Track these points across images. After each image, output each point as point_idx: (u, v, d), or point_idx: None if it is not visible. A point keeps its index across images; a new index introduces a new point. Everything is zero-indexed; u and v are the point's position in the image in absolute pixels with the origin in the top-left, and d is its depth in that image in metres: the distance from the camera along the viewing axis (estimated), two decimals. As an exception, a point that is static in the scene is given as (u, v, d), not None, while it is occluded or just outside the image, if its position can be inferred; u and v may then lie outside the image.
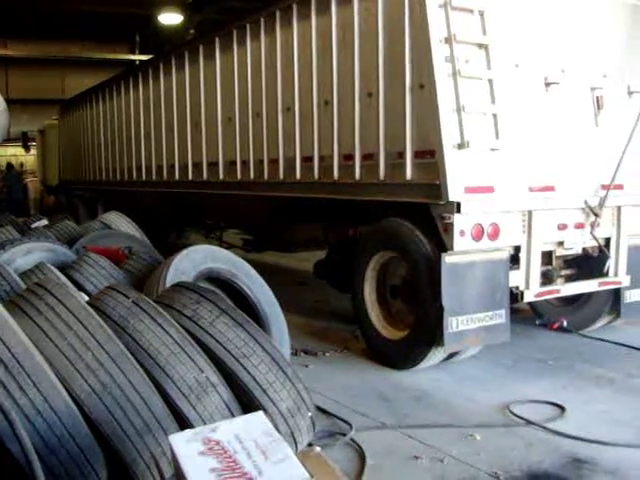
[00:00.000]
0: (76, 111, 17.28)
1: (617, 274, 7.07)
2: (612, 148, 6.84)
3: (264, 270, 6.15)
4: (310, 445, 4.20)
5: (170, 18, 22.91)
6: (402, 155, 6.44)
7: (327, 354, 7.11)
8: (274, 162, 8.48)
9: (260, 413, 2.95)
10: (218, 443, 2.64)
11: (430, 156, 6.14)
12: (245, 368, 3.82)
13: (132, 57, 27.10)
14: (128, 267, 6.44)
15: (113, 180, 14.46)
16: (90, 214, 15.82)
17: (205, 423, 3.56)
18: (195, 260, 5.66)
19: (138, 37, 26.90)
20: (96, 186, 15.81)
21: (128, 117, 13.37)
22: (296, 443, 3.87)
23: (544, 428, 5.12)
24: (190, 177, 10.78)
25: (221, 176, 9.82)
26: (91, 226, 9.22)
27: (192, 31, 22.84)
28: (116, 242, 7.79)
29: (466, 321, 5.95)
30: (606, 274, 7.04)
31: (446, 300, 5.84)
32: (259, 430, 2.73)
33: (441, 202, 5.96)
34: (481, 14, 6.22)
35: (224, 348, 3.87)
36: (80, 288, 5.65)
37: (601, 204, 6.70)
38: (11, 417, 2.89)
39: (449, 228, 5.93)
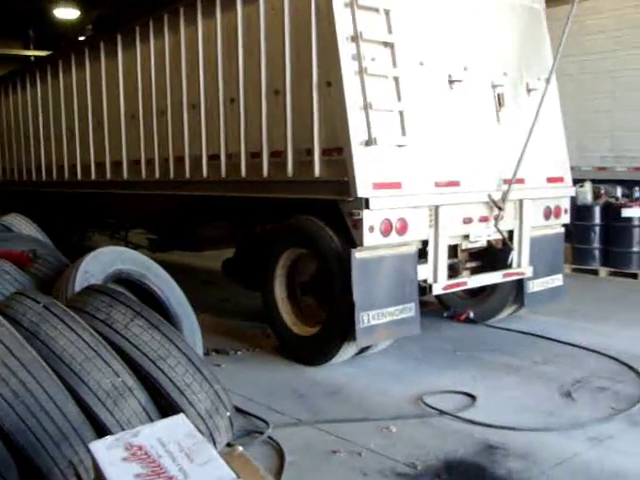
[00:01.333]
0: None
1: (520, 265, 7.29)
2: (513, 144, 7.04)
3: (170, 270, 6.08)
4: (229, 445, 4.20)
5: (66, 13, 22.33)
6: (310, 152, 6.46)
7: (239, 353, 7.08)
8: (180, 160, 8.38)
9: (181, 415, 2.93)
10: (141, 448, 2.61)
11: (338, 153, 6.18)
12: (162, 370, 3.79)
13: (27, 53, 26.31)
14: (33, 271, 6.24)
15: (11, 180, 14.02)
16: (-13, 216, 15.27)
17: (123, 428, 3.51)
18: (103, 262, 5.54)
19: (32, 32, 26.10)
20: (-8, 187, 15.30)
21: (25, 115, 12.98)
22: (215, 444, 3.86)
23: (457, 417, 5.25)
24: (93, 177, 10.55)
25: (125, 175, 9.65)
26: (-10, 229, 8.92)
27: (89, 26, 22.37)
28: (19, 245, 7.55)
29: (377, 315, 6.03)
30: (510, 266, 7.25)
31: (357, 295, 5.91)
32: (181, 432, 2.71)
33: (350, 199, 6.01)
34: (387, 13, 6.31)
35: (140, 351, 3.82)
36: (-17, 294, 5.47)
37: (504, 198, 6.89)
38: None
39: (358, 224, 5.98)
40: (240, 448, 3.36)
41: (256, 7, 6.94)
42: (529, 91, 7.43)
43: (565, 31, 6.89)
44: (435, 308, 8.36)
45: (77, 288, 5.06)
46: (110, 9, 19.87)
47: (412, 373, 6.39)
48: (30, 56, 25.43)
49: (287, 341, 6.97)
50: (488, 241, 7.18)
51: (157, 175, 8.89)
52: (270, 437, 4.88)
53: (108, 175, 10.11)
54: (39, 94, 12.39)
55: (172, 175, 8.58)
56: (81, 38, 18.39)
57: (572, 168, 8.07)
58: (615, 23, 12.40)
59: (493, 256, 7.35)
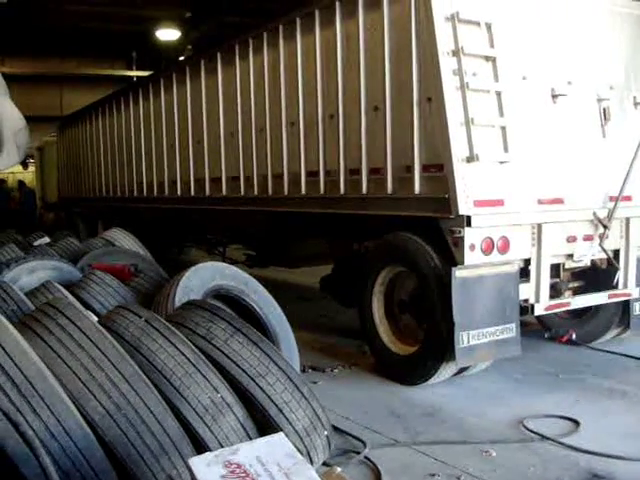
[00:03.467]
0: (75, 127, 17.25)
1: (626, 286, 7.01)
2: (619, 159, 6.80)
3: (266, 286, 6.10)
4: (325, 464, 4.15)
5: (167, 34, 22.91)
6: (410, 169, 6.39)
7: (335, 370, 7.04)
8: (278, 177, 8.43)
9: (281, 434, 2.89)
10: (240, 466, 2.58)
11: (439, 170, 6.09)
12: (260, 387, 3.77)
13: (129, 73, 27.08)
14: (135, 285, 6.39)
15: (113, 196, 14.42)
16: (90, 231, 15.75)
17: (221, 444, 3.51)
18: (204, 277, 5.60)
19: (135, 53, 26.89)
20: (96, 203, 15.77)
21: (128, 133, 13.33)
22: (312, 462, 3.81)
23: (560, 443, 5.06)
24: (192, 193, 10.72)
25: (224, 192, 9.76)
26: (94, 243, 9.18)
27: (189, 47, 22.86)
28: (121, 259, 7.75)
29: (477, 335, 5.90)
30: (615, 286, 6.98)
31: (457, 314, 5.79)
32: (281, 452, 2.68)
33: (450, 216, 5.92)
34: (488, 27, 6.19)
35: (239, 367, 3.82)
36: (87, 307, 5.60)
37: (610, 216, 6.65)
38: (34, 444, 2.83)
39: (459, 242, 5.88)
40: (338, 469, 3.32)
41: (355, 23, 6.94)
42: (637, 104, 7.17)
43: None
44: (536, 328, 8.13)
45: (177, 303, 5.12)
46: (209, 29, 20.26)
47: (512, 395, 6.21)
48: (132, 76, 26.16)
49: (384, 359, 6.89)
50: (592, 261, 6.93)
51: (255, 191, 8.96)
52: (367, 457, 4.81)
53: (207, 191, 10.25)
54: (141, 113, 12.72)
55: (270, 191, 8.64)
56: (181, 58, 18.82)
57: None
58: None
59: (597, 276, 7.09)
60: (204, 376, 3.66)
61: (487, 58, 6.19)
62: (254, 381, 3.77)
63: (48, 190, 21.47)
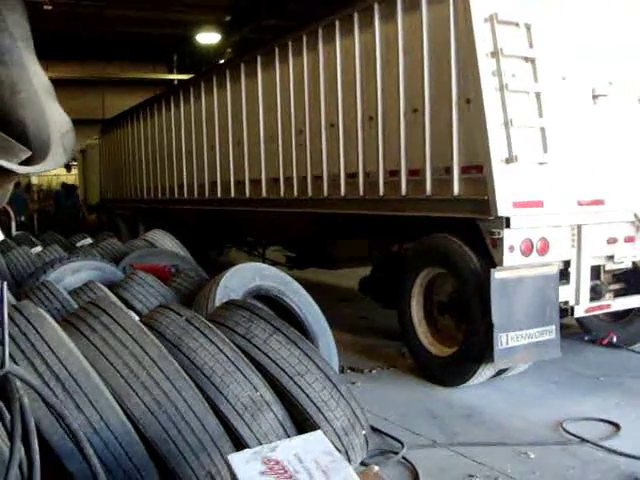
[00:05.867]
0: (117, 130, 17.47)
1: (668, 288, 6.94)
2: (661, 160, 6.74)
3: (305, 287, 6.14)
4: (363, 463, 4.16)
5: (207, 38, 23.13)
6: (449, 170, 6.40)
7: (374, 371, 7.06)
8: (318, 179, 8.47)
9: (319, 432, 2.93)
10: (278, 463, 2.62)
11: (478, 171, 6.09)
12: (299, 386, 3.80)
13: (170, 76, 27.37)
14: (175, 285, 6.46)
15: (154, 198, 14.58)
16: (131, 232, 15.93)
17: (260, 442, 3.54)
18: (244, 278, 5.65)
19: (176, 57, 27.17)
20: (137, 204, 15.95)
21: (169, 136, 13.48)
22: (350, 461, 3.83)
23: (600, 446, 5.01)
24: (232, 194, 10.80)
25: (264, 193, 9.83)
26: (135, 244, 9.28)
27: (229, 50, 23.03)
28: (162, 260, 7.84)
29: (516, 337, 5.88)
30: (657, 288, 6.91)
31: (496, 316, 5.77)
32: (319, 449, 2.70)
33: (490, 217, 5.91)
34: (527, 27, 6.18)
35: (278, 366, 3.85)
36: (129, 306, 5.67)
37: (651, 217, 6.60)
38: (80, 437, 2.90)
39: (498, 243, 5.87)
40: (376, 468, 3.34)
41: (394, 25, 6.96)
42: (679, 106, 7.09)
43: None
44: (575, 331, 8.06)
45: (217, 302, 5.17)
46: (249, 32, 20.40)
47: (552, 397, 6.18)
48: (173, 80, 26.42)
49: (423, 361, 6.89)
50: (634, 262, 6.87)
51: (295, 193, 9.02)
52: (405, 458, 4.82)
53: (247, 193, 10.33)
54: (182, 116, 12.86)
55: (310, 193, 8.68)
56: (221, 61, 18.96)
57: None
58: None
59: (638, 278, 7.03)
60: (244, 374, 3.70)
61: (526, 59, 6.18)
62: (293, 380, 3.80)
63: (90, 192, 21.74)
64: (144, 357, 3.56)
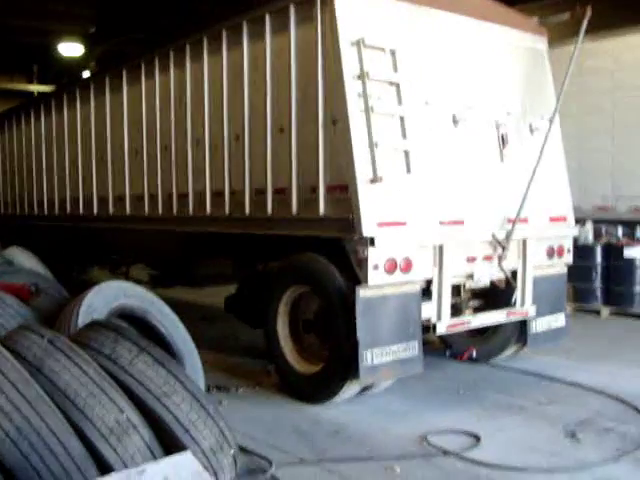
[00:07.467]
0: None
1: (524, 305, 7.24)
2: (517, 183, 7.06)
3: (171, 306, 6.07)
4: (232, 484, 4.14)
5: (70, 49, 22.54)
6: (315, 190, 6.47)
7: (240, 390, 7.02)
8: (183, 196, 8.39)
9: (188, 453, 2.91)
10: (147, 486, 2.58)
11: (343, 191, 6.19)
12: (166, 407, 3.76)
13: (30, 88, 26.48)
14: (36, 304, 6.23)
15: (12, 214, 14.04)
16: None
17: (126, 465, 3.48)
18: (108, 296, 5.53)
19: (36, 67, 26.31)
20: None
21: (29, 149, 13.02)
22: (218, 482, 3.81)
23: (462, 457, 5.20)
24: (95, 211, 10.55)
25: (128, 210, 9.64)
26: (-9, 262, 8.91)
27: (93, 63, 22.55)
28: (20, 279, 7.54)
29: (380, 354, 5.99)
30: (513, 305, 7.21)
31: (361, 333, 5.87)
32: (188, 471, 2.70)
33: (355, 237, 6.01)
34: (392, 53, 6.37)
35: (144, 387, 3.80)
36: (-15, 327, 5.44)
37: (508, 237, 6.89)
38: None
39: (363, 262, 5.97)
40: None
41: (262, 45, 7.00)
42: (532, 131, 7.46)
43: (568, 72, 6.94)
44: (437, 347, 8.31)
45: (80, 323, 5.04)
46: (114, 45, 20.03)
47: (416, 412, 6.33)
48: (33, 91, 25.58)
49: (289, 379, 6.92)
50: (491, 281, 7.15)
51: (160, 211, 8.89)
52: (273, 476, 4.82)
53: (111, 210, 10.11)
54: (42, 129, 12.45)
55: (175, 211, 8.59)
56: (85, 73, 18.54)
57: (573, 208, 8.06)
58: (614, 63, 12.42)
59: (496, 295, 7.32)
60: (109, 396, 3.63)
61: (391, 83, 6.36)
62: (160, 401, 3.75)
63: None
64: (3, 381, 3.44)
